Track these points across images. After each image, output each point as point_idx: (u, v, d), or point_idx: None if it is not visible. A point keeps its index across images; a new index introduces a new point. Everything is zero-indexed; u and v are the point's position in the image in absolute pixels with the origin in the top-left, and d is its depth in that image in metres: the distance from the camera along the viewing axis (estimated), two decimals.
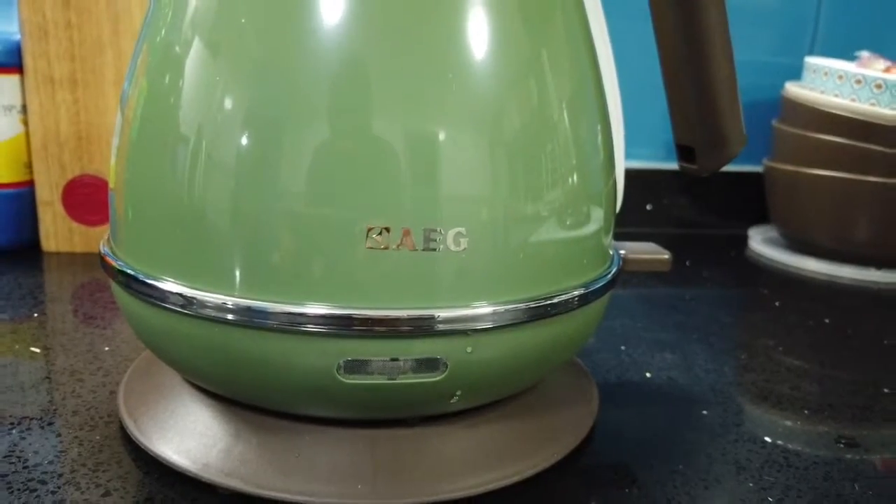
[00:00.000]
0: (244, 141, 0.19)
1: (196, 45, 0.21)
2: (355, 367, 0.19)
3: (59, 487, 0.21)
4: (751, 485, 0.23)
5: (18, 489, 0.21)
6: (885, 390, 0.32)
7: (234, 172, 0.20)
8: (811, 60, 0.52)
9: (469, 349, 0.20)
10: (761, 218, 0.59)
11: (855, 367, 0.34)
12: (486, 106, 0.20)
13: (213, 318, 0.20)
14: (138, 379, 0.26)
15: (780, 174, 0.53)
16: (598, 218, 0.23)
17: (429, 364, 0.20)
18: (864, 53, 0.54)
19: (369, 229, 0.19)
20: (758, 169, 0.57)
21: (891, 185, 0.47)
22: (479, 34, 0.20)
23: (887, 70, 0.52)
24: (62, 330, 0.33)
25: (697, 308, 0.42)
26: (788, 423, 0.28)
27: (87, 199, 0.44)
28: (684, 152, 0.30)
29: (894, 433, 0.28)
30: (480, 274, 0.20)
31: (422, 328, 0.19)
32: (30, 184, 0.44)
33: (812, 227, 0.52)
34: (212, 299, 0.20)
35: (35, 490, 0.21)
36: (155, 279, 0.21)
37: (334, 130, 0.19)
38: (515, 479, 0.22)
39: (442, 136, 0.19)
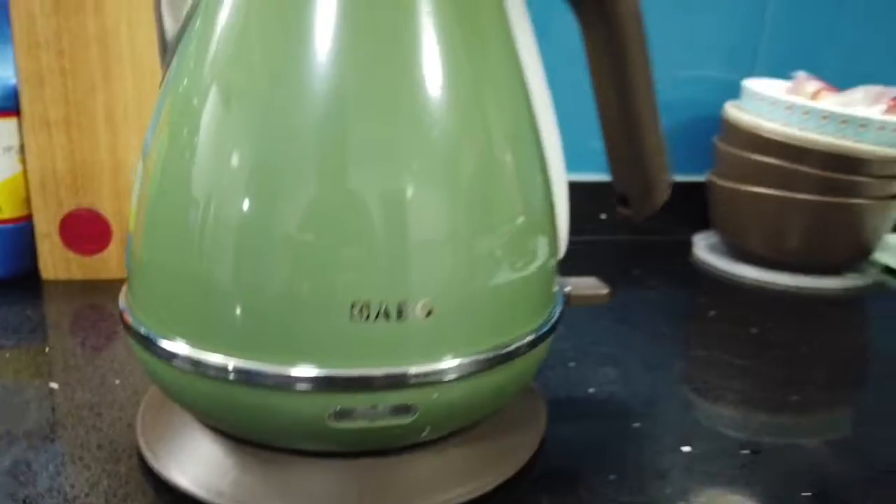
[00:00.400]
0: (244, 230, 0.23)
1: (204, 126, 0.24)
2: (342, 414, 0.24)
3: None
4: (668, 491, 0.28)
5: None
6: (794, 398, 0.37)
7: (234, 255, 0.24)
8: (748, 84, 0.57)
9: (436, 395, 0.25)
10: (706, 225, 0.64)
11: (779, 373, 0.40)
12: (442, 209, 0.24)
13: (216, 377, 0.24)
14: (151, 414, 0.31)
15: (720, 189, 0.58)
16: (544, 274, 0.28)
17: (403, 409, 0.24)
18: (800, 74, 0.59)
19: (353, 304, 0.23)
20: (703, 179, 0.62)
21: (819, 203, 0.52)
22: (438, 153, 0.24)
23: (817, 93, 0.57)
24: (74, 364, 0.36)
25: (642, 319, 0.47)
26: (706, 430, 0.33)
27: (82, 230, 0.47)
28: (621, 199, 0.35)
29: (799, 439, 0.33)
30: (445, 336, 0.24)
31: (396, 383, 0.24)
32: (28, 218, 0.47)
33: (749, 238, 0.57)
34: (216, 361, 0.24)
35: None
36: (166, 338, 0.25)
37: (320, 229, 0.23)
38: (478, 493, 0.27)
39: (411, 232, 0.23)
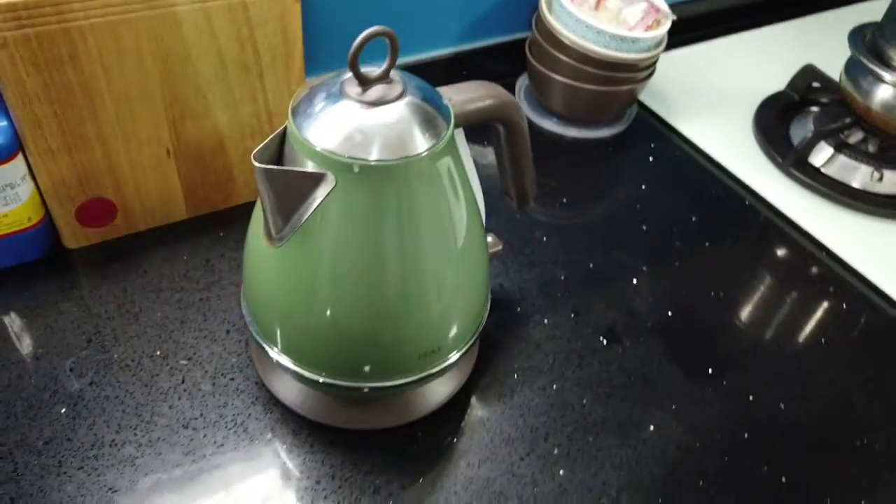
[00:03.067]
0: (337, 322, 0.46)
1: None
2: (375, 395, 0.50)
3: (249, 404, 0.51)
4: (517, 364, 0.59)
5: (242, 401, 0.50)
6: (566, 200, 0.67)
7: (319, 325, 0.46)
8: None
9: (445, 368, 0.51)
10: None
11: (575, 185, 0.69)
12: (457, 297, 0.47)
13: (309, 380, 0.49)
14: (255, 350, 0.54)
15: (532, 66, 0.80)
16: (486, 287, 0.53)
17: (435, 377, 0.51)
18: None
19: (420, 354, 0.48)
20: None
21: (598, 91, 0.77)
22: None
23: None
24: (175, 339, 0.56)
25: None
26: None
27: (93, 212, 0.61)
28: (508, 195, 0.58)
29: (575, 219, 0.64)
30: (454, 347, 0.50)
31: (436, 374, 0.50)
32: (46, 217, 0.59)
33: (551, 102, 0.81)
34: (312, 377, 0.48)
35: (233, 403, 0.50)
36: (266, 345, 0.49)
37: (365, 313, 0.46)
38: (459, 387, 0.55)
39: (446, 309, 0.47)
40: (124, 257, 0.62)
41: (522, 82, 0.86)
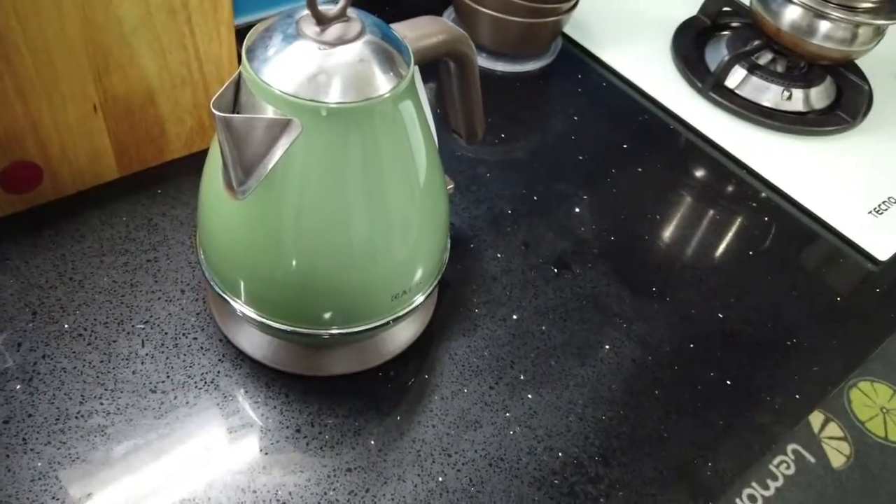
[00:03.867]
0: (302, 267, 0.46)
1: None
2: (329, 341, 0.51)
3: (205, 364, 0.50)
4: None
5: (182, 361, 0.50)
6: (501, 135, 0.69)
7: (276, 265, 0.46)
8: None
9: (408, 312, 0.52)
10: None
11: (507, 113, 0.70)
12: (421, 243, 0.48)
13: (277, 331, 0.48)
14: (215, 307, 0.53)
15: (460, 1, 0.79)
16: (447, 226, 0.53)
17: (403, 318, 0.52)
18: None
19: (393, 296, 0.48)
20: None
21: (525, 23, 0.77)
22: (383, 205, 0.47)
23: None
24: (127, 303, 0.54)
25: None
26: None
27: (19, 177, 0.57)
28: (456, 133, 0.58)
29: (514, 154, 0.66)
30: (418, 289, 0.50)
31: (404, 315, 0.50)
32: None
33: (479, 36, 0.81)
34: (280, 326, 0.48)
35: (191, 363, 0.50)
36: (230, 298, 0.48)
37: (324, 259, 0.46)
38: (422, 330, 0.56)
39: (412, 253, 0.48)
40: (56, 223, 0.59)
41: (448, 16, 0.86)
